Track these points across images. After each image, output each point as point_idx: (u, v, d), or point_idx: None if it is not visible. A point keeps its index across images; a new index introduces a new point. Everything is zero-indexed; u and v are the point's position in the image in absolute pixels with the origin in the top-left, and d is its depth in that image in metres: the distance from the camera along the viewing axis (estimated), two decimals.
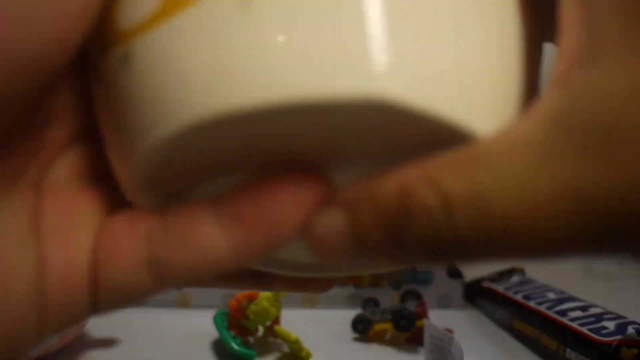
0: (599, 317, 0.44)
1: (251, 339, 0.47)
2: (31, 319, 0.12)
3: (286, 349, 0.46)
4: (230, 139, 0.12)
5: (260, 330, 0.47)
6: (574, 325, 0.44)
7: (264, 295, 0.45)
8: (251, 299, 0.45)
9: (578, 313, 0.45)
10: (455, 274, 0.55)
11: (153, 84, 0.11)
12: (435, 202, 0.11)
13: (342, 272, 0.18)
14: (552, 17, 0.12)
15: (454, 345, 0.39)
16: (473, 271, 0.60)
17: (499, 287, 0.53)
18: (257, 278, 0.18)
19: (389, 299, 0.54)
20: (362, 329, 0.48)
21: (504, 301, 0.51)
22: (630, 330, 0.41)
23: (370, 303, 0.52)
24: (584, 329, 0.43)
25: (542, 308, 0.47)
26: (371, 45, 0.10)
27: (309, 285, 0.19)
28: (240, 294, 0.45)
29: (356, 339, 0.48)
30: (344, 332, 0.49)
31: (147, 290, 0.13)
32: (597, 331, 0.42)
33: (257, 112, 0.10)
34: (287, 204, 0.12)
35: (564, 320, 0.45)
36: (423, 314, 0.47)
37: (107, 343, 0.46)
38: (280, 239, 0.12)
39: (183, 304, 0.53)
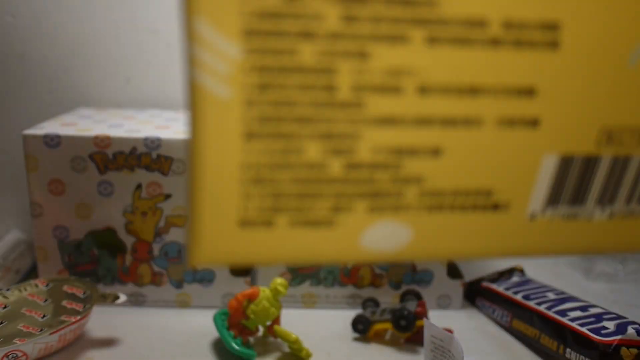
0: (598, 317, 0.44)
1: (251, 339, 0.47)
2: None
3: (286, 349, 0.46)
4: None
5: (260, 330, 0.47)
6: (574, 325, 0.44)
7: (264, 295, 0.45)
8: (251, 299, 0.45)
9: (578, 313, 0.45)
10: (455, 274, 0.55)
11: None
12: None
13: None
14: None
15: (454, 345, 0.39)
16: (473, 271, 0.60)
17: (499, 287, 0.53)
18: None
19: (389, 299, 0.54)
20: (362, 329, 0.48)
21: (504, 301, 0.51)
22: (630, 330, 0.41)
23: (370, 303, 0.52)
24: (584, 329, 0.43)
25: (542, 308, 0.47)
26: None
27: None
28: (240, 294, 0.45)
29: (356, 339, 0.48)
30: (344, 332, 0.49)
31: None
32: (597, 331, 0.42)
33: None
34: None
35: (564, 320, 0.45)
36: (423, 314, 0.47)
37: (107, 343, 0.46)
38: None
39: (183, 304, 0.53)
